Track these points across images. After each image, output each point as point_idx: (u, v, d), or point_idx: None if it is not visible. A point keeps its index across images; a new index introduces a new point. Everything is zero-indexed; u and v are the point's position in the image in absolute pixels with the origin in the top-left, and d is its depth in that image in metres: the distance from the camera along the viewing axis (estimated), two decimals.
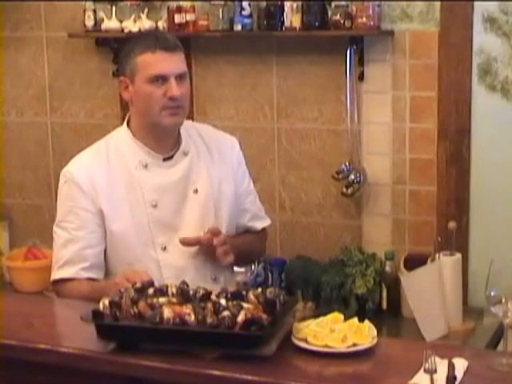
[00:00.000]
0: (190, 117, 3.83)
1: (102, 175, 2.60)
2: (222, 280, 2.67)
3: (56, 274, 2.61)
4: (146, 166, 2.61)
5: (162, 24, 3.70)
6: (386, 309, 3.42)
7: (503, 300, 2.01)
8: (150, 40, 2.56)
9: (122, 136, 2.66)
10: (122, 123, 3.84)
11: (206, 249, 2.60)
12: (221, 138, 2.78)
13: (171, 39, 2.59)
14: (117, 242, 2.59)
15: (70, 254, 2.57)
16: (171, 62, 2.54)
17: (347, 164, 3.56)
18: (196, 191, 2.64)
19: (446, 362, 1.93)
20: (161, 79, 2.52)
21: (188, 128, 2.69)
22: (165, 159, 2.63)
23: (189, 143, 2.67)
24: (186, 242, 2.59)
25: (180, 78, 2.54)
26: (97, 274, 2.59)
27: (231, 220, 2.72)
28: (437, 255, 3.12)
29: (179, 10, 3.64)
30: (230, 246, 2.61)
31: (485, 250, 3.38)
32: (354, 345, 2.06)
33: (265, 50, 3.67)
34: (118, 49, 3.86)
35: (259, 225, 2.84)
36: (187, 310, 2.04)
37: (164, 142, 2.63)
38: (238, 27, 3.55)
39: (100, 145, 2.70)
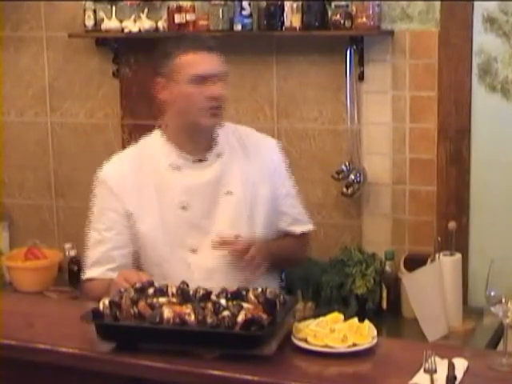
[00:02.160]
0: None
1: (132, 178, 2.61)
2: (254, 284, 2.63)
3: (85, 274, 2.65)
4: (177, 168, 2.61)
5: (162, 24, 3.70)
6: (386, 309, 3.42)
7: (503, 300, 2.01)
8: (191, 41, 2.59)
9: (154, 139, 2.67)
10: (121, 123, 3.85)
11: (237, 255, 2.56)
12: (260, 141, 2.76)
13: (211, 41, 2.61)
14: (145, 243, 2.60)
15: (98, 255, 2.61)
16: (212, 63, 2.55)
17: (347, 164, 3.56)
18: (229, 193, 2.62)
19: (445, 362, 1.93)
20: (202, 79, 2.52)
21: (226, 129, 2.67)
22: (198, 161, 2.62)
23: (224, 145, 2.65)
24: (217, 244, 2.56)
25: (220, 78, 2.55)
26: None
27: (268, 223, 2.69)
28: (437, 255, 3.12)
29: (179, 9, 3.64)
30: (266, 251, 2.57)
31: (485, 250, 3.38)
32: (354, 345, 2.06)
33: (265, 50, 3.67)
34: (118, 47, 3.87)
35: (298, 229, 2.78)
36: (187, 310, 2.05)
37: (198, 143, 2.62)
38: (237, 27, 3.56)
39: (134, 148, 2.73)
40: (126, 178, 2.62)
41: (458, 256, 3.17)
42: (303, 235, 2.82)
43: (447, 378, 1.89)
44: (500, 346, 2.15)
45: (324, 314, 2.21)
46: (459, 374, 1.91)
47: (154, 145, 2.66)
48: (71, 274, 3.87)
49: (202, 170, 2.62)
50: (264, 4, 3.55)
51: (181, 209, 2.59)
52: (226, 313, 2.03)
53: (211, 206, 2.61)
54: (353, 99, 3.54)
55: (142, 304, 2.09)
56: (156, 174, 2.61)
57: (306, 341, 2.08)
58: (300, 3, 3.45)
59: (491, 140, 3.41)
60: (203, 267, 2.58)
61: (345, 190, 3.55)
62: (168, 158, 2.62)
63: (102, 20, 3.78)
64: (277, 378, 1.96)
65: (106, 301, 2.11)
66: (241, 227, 2.61)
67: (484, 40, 3.36)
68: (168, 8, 3.68)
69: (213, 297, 2.14)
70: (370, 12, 3.38)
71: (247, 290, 2.16)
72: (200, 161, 2.62)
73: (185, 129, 2.60)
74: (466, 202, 3.47)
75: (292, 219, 2.77)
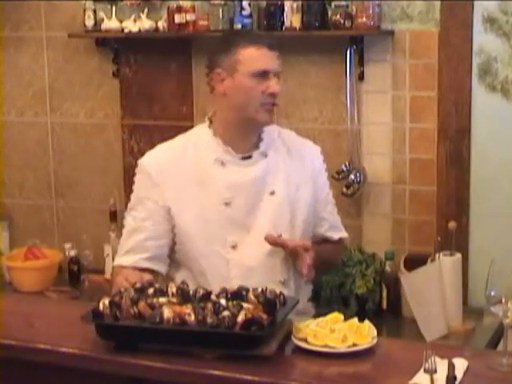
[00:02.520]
0: (190, 117, 3.84)
1: (175, 169, 2.59)
2: (291, 284, 2.62)
3: (117, 260, 2.63)
4: (222, 164, 2.59)
5: (161, 24, 3.70)
6: (386, 309, 3.42)
7: (503, 300, 2.01)
8: (255, 36, 2.62)
9: (202, 132, 2.65)
10: (121, 123, 3.84)
11: (288, 252, 2.55)
12: (304, 145, 2.76)
13: (272, 39, 2.61)
14: (183, 236, 2.59)
15: (133, 243, 2.59)
16: (273, 59, 2.56)
17: (347, 164, 3.56)
18: (272, 193, 2.61)
19: (445, 362, 1.93)
20: (263, 75, 2.52)
21: (271, 130, 2.67)
22: (243, 158, 2.61)
23: (269, 145, 2.65)
24: (271, 239, 2.54)
25: (278, 76, 2.56)
26: (157, 266, 2.59)
27: (307, 226, 2.68)
28: (437, 255, 3.12)
29: (179, 9, 3.64)
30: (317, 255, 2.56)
31: (485, 250, 3.38)
32: (354, 345, 2.06)
33: None
34: (118, 47, 3.87)
35: (336, 235, 2.78)
36: (187, 310, 2.05)
37: (247, 139, 2.62)
38: (237, 27, 3.55)
39: (180, 139, 2.70)
40: (168, 168, 2.60)
41: (458, 256, 3.16)
42: (339, 241, 2.82)
43: (447, 378, 1.89)
44: (500, 346, 2.15)
45: (324, 314, 2.21)
46: (459, 374, 1.91)
47: (201, 138, 2.64)
48: (71, 273, 3.87)
49: (247, 168, 2.60)
50: (264, 4, 3.55)
51: (223, 204, 2.57)
52: (225, 313, 2.03)
53: (254, 204, 2.59)
54: (353, 99, 3.54)
55: (141, 304, 2.09)
56: (200, 168, 2.60)
57: (305, 341, 2.08)
58: (300, 3, 3.45)
59: (491, 140, 3.41)
60: (242, 265, 2.57)
61: (345, 189, 3.55)
62: (214, 152, 2.60)
63: (102, 20, 3.78)
64: (277, 378, 1.96)
65: (106, 301, 2.11)
66: (282, 228, 2.60)
67: (484, 40, 3.36)
68: (168, 8, 3.68)
69: (213, 297, 2.14)
70: (370, 12, 3.38)
71: (247, 290, 2.16)
72: (246, 158, 2.61)
73: (237, 123, 2.58)
74: (466, 202, 3.47)
75: (330, 225, 2.77)
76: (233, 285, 2.44)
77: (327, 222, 2.76)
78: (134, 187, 2.66)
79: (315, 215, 2.71)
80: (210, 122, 2.64)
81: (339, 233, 2.81)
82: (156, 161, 2.63)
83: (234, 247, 2.58)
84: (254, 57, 2.53)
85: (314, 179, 2.70)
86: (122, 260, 2.61)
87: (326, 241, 2.77)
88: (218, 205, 2.57)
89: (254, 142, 2.63)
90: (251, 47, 2.54)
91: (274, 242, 2.54)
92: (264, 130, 2.64)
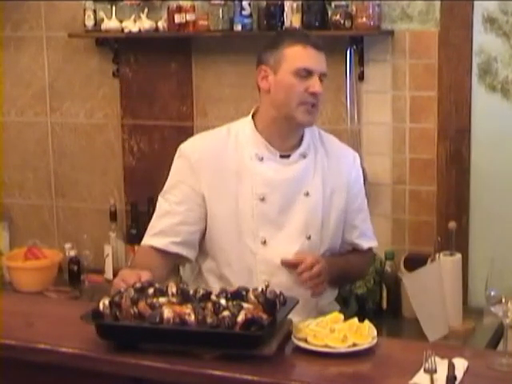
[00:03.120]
0: (190, 117, 3.84)
1: (214, 158, 2.60)
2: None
3: (147, 240, 2.63)
4: (261, 159, 2.60)
5: (161, 24, 3.70)
6: (386, 309, 3.42)
7: (503, 300, 2.01)
8: (301, 35, 2.61)
9: (244, 126, 2.66)
10: (121, 123, 3.85)
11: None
12: (343, 151, 2.77)
13: (320, 40, 2.62)
14: (215, 226, 2.59)
15: (165, 226, 2.59)
16: (319, 60, 2.56)
17: None
18: (307, 194, 2.61)
19: (445, 362, 1.94)
20: (306, 73, 2.52)
21: (313, 132, 2.67)
22: (282, 156, 2.61)
23: (310, 148, 2.65)
24: (286, 263, 2.55)
25: (322, 77, 2.56)
26: (187, 251, 2.60)
27: (337, 232, 2.68)
28: (437, 255, 3.12)
29: (179, 9, 3.64)
30: (330, 268, 2.56)
31: (485, 249, 3.38)
32: (354, 345, 2.06)
33: None
34: (118, 47, 3.87)
35: (366, 244, 2.77)
36: (187, 310, 2.05)
37: (287, 138, 2.62)
38: (237, 27, 3.55)
39: (222, 129, 2.70)
40: (207, 157, 2.60)
41: (458, 256, 3.16)
42: (369, 251, 2.82)
43: (447, 378, 1.89)
44: (500, 346, 2.15)
45: (324, 314, 2.21)
46: (459, 374, 1.92)
47: (243, 131, 2.64)
48: (71, 273, 3.87)
49: (285, 166, 2.61)
50: (264, 4, 3.55)
51: (259, 200, 2.57)
52: (226, 313, 2.03)
53: (288, 203, 2.60)
54: (353, 99, 3.54)
55: (141, 304, 2.09)
56: (239, 160, 2.60)
57: (305, 341, 2.08)
58: (300, 3, 3.45)
59: (491, 140, 3.41)
60: (270, 261, 2.57)
61: None
62: (255, 147, 2.60)
63: (102, 20, 3.78)
64: (277, 378, 1.96)
65: (106, 301, 2.11)
66: (313, 229, 2.60)
67: (484, 40, 3.36)
68: (168, 8, 3.68)
69: (213, 297, 2.14)
70: (370, 12, 3.38)
71: (247, 290, 2.16)
72: (285, 157, 2.62)
73: (277, 121, 2.59)
74: (465, 202, 3.47)
75: (360, 233, 2.76)
76: (258, 279, 2.48)
77: (358, 230, 2.75)
78: (172, 171, 2.66)
79: (347, 222, 2.71)
80: (253, 116, 2.65)
81: (369, 242, 2.79)
82: (196, 148, 2.64)
83: (264, 243, 2.58)
84: (298, 55, 2.54)
85: (350, 187, 2.70)
86: (153, 241, 2.60)
87: (355, 249, 2.76)
88: (252, 199, 2.58)
89: (295, 142, 2.63)
90: (297, 45, 2.55)
91: (289, 264, 2.54)
92: (306, 131, 2.64)
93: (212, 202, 2.59)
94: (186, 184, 2.60)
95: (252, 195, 2.58)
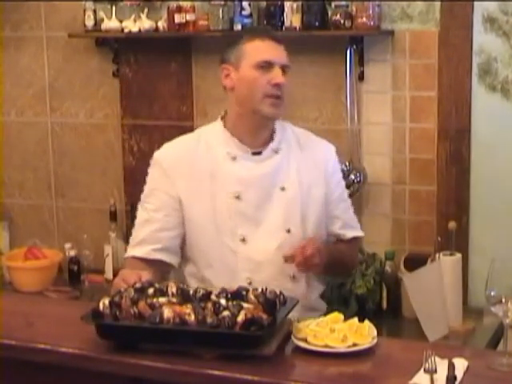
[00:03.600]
0: (190, 117, 3.84)
1: (187, 162, 2.62)
2: (302, 280, 2.63)
3: (130, 252, 2.65)
4: (234, 158, 2.61)
5: (161, 24, 3.70)
6: (386, 309, 3.42)
7: (503, 300, 2.01)
8: (260, 30, 2.67)
9: (214, 127, 2.68)
10: (121, 123, 3.84)
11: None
12: (318, 144, 2.77)
13: (277, 34, 2.66)
14: (193, 229, 2.61)
15: (146, 234, 2.61)
16: (279, 52, 2.58)
17: (347, 164, 3.55)
18: (283, 189, 2.62)
19: (445, 362, 1.94)
20: (267, 65, 2.54)
21: (285, 128, 2.69)
22: (254, 153, 2.62)
23: (282, 143, 2.66)
24: (288, 258, 2.53)
25: (284, 69, 2.57)
26: (169, 257, 2.61)
27: (319, 226, 2.68)
28: (437, 255, 3.12)
29: (179, 9, 3.64)
30: (325, 252, 2.56)
31: (485, 249, 3.38)
32: (354, 345, 2.06)
33: None
34: (118, 47, 3.87)
35: (349, 233, 2.78)
36: (187, 310, 2.05)
37: (258, 134, 2.63)
38: (237, 27, 3.55)
39: (193, 134, 2.75)
40: (181, 162, 2.62)
41: (458, 256, 3.16)
42: (353, 240, 2.82)
43: (447, 378, 1.89)
44: (500, 346, 2.15)
45: (324, 314, 2.21)
46: (459, 374, 1.92)
47: (214, 133, 2.67)
48: (71, 274, 3.87)
49: (258, 163, 2.62)
50: (264, 4, 3.55)
51: (234, 198, 2.58)
52: (226, 313, 2.03)
53: (264, 199, 2.61)
54: (353, 99, 3.53)
55: (141, 304, 2.09)
56: (211, 161, 2.62)
57: (306, 341, 2.08)
58: (300, 3, 3.45)
59: (491, 140, 3.41)
60: (251, 258, 2.58)
61: None
62: (226, 146, 2.62)
63: (102, 20, 3.78)
64: (277, 378, 1.96)
65: (106, 301, 2.11)
66: (292, 224, 2.61)
67: (484, 40, 3.36)
68: (168, 8, 3.67)
69: (213, 297, 2.14)
70: (370, 12, 3.38)
71: (247, 290, 2.16)
72: (257, 153, 2.62)
73: (245, 117, 2.60)
74: (466, 201, 3.47)
75: (343, 223, 2.77)
76: (240, 278, 2.47)
77: (340, 220, 2.76)
78: (147, 179, 2.69)
79: (328, 214, 2.72)
80: (222, 118, 2.67)
81: (353, 231, 2.80)
82: (169, 153, 2.67)
83: (243, 240, 2.59)
84: (257, 48, 2.56)
85: (327, 180, 2.71)
86: (135, 251, 2.62)
87: (340, 240, 2.77)
88: (228, 198, 2.59)
89: (266, 138, 2.64)
90: (256, 39, 2.57)
91: (290, 257, 2.52)
92: (277, 127, 2.65)
93: (189, 205, 2.60)
94: (161, 191, 2.62)
95: (227, 194, 2.59)
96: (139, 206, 2.69)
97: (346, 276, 3.25)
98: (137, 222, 2.67)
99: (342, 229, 2.77)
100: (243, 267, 2.56)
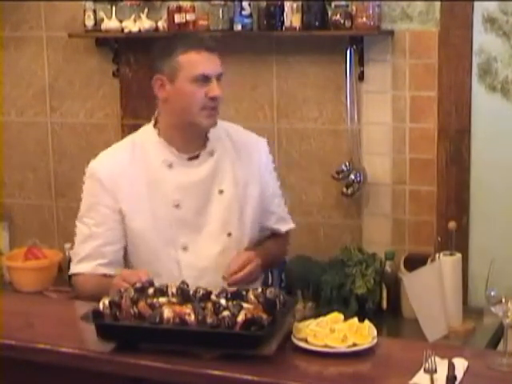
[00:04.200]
0: None
1: (124, 173, 2.60)
2: (244, 285, 2.62)
3: (74, 269, 2.64)
4: (170, 166, 2.60)
5: (161, 24, 3.70)
6: (386, 309, 3.42)
7: (503, 300, 2.01)
8: (194, 40, 2.59)
9: (148, 135, 2.66)
10: (121, 123, 3.85)
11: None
12: (250, 139, 2.78)
13: (212, 40, 2.61)
14: (136, 239, 2.60)
15: (89, 250, 2.60)
16: (214, 63, 2.56)
17: (347, 164, 3.56)
18: (221, 192, 2.63)
19: (446, 362, 1.94)
20: (204, 79, 2.53)
21: (217, 128, 2.67)
22: (190, 158, 2.62)
23: (216, 143, 2.66)
24: (229, 276, 2.53)
25: (219, 78, 2.56)
26: (114, 270, 2.59)
27: (255, 221, 2.71)
28: (437, 255, 3.12)
29: (179, 9, 3.64)
30: (262, 261, 2.60)
31: (485, 250, 3.38)
32: (354, 345, 2.06)
33: (265, 50, 3.67)
34: (118, 47, 3.87)
35: (284, 227, 2.82)
36: (187, 310, 2.05)
37: (192, 142, 2.62)
38: (238, 27, 3.55)
39: (126, 142, 2.71)
40: (118, 173, 2.60)
41: (458, 256, 3.16)
42: (286, 233, 2.86)
43: (447, 378, 1.89)
44: (500, 346, 2.15)
45: (324, 314, 2.21)
46: (459, 374, 1.91)
47: (147, 140, 2.65)
48: None
49: (194, 168, 2.62)
50: (264, 4, 3.54)
51: (174, 206, 2.58)
52: (225, 313, 2.03)
53: (203, 204, 2.62)
54: (353, 99, 3.53)
55: (141, 304, 2.09)
56: (149, 171, 2.61)
57: (306, 341, 2.08)
58: (300, 3, 3.45)
59: (491, 140, 3.41)
60: (194, 266, 2.59)
61: (345, 189, 3.55)
62: (161, 154, 2.61)
63: (102, 20, 3.78)
64: (277, 378, 1.96)
65: (106, 301, 2.11)
66: (231, 226, 2.63)
67: (484, 40, 3.36)
68: (168, 8, 3.67)
69: (213, 297, 2.14)
70: (370, 12, 3.37)
71: (247, 290, 2.16)
72: (192, 158, 2.62)
73: (180, 128, 2.60)
74: (466, 202, 3.46)
75: (278, 218, 2.80)
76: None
77: (275, 215, 2.79)
78: (84, 194, 2.65)
79: (263, 209, 2.74)
80: (155, 123, 2.65)
81: (287, 225, 2.84)
82: (105, 165, 2.63)
83: (185, 248, 2.60)
84: (193, 62, 2.53)
85: (262, 175, 2.73)
86: (81, 267, 2.62)
87: (273, 234, 2.81)
88: (167, 207, 2.58)
89: (200, 142, 2.64)
90: (191, 52, 2.53)
91: (231, 278, 2.53)
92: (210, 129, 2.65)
93: (130, 216, 2.58)
94: (101, 205, 2.59)
95: (166, 203, 2.58)
96: (77, 222, 2.67)
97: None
98: (78, 237, 2.66)
99: (277, 223, 2.80)
100: (187, 275, 2.53)
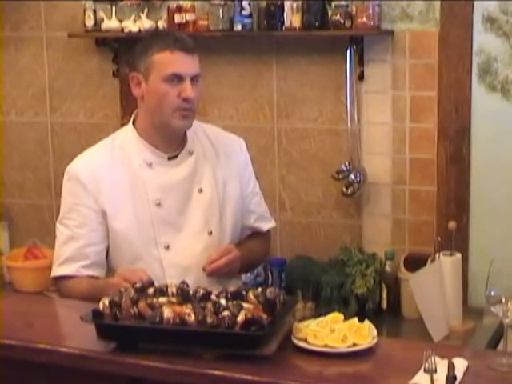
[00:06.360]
0: None
1: (105, 173, 2.59)
2: (226, 281, 2.65)
3: (56, 271, 2.62)
4: (150, 165, 2.60)
5: (161, 24, 3.70)
6: (385, 309, 3.42)
7: (503, 300, 2.01)
8: (169, 39, 2.55)
9: (127, 134, 2.66)
10: (121, 123, 3.85)
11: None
12: (228, 139, 2.78)
13: (189, 41, 2.58)
14: (119, 240, 2.60)
15: (71, 252, 2.58)
16: (188, 63, 2.54)
17: (347, 164, 3.56)
18: (201, 191, 2.64)
19: (445, 362, 1.94)
20: (177, 79, 2.51)
21: (195, 128, 2.67)
22: (170, 158, 2.63)
23: (195, 143, 2.67)
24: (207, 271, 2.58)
25: (195, 79, 2.55)
26: (98, 272, 2.60)
27: (235, 221, 2.72)
28: (437, 255, 3.12)
29: (179, 9, 3.64)
30: (241, 256, 2.62)
31: (485, 250, 3.38)
32: (354, 345, 2.06)
33: (265, 50, 3.67)
34: (119, 47, 3.87)
35: (264, 226, 2.84)
36: (187, 310, 2.05)
37: (170, 141, 2.63)
38: (237, 27, 3.55)
39: (105, 143, 2.70)
40: (99, 173, 2.59)
41: (458, 256, 3.17)
42: (267, 232, 2.88)
43: (447, 378, 1.89)
44: (500, 346, 2.15)
45: (324, 314, 2.21)
46: (459, 374, 1.91)
47: (127, 139, 2.65)
48: None
49: (174, 168, 2.62)
50: (264, 4, 3.55)
51: (155, 206, 2.59)
52: (225, 313, 2.03)
53: (184, 203, 2.62)
54: (353, 99, 3.53)
55: (141, 304, 2.09)
56: (129, 170, 2.61)
57: (306, 341, 2.08)
58: (300, 3, 3.45)
59: (491, 140, 3.41)
60: (176, 264, 2.60)
61: (345, 189, 3.55)
62: (141, 154, 2.61)
63: (102, 20, 3.78)
64: (277, 378, 1.96)
65: (106, 301, 2.11)
66: (212, 224, 2.64)
67: (484, 40, 3.36)
68: (168, 8, 3.67)
69: (213, 297, 2.14)
70: (370, 12, 3.38)
71: (247, 290, 2.16)
72: (172, 158, 2.63)
73: (156, 127, 2.60)
74: (466, 202, 3.46)
75: (258, 216, 2.82)
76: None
77: (255, 214, 2.80)
78: (65, 195, 2.63)
79: (243, 208, 2.75)
80: (134, 122, 2.66)
81: (268, 223, 2.86)
82: (85, 166, 2.61)
83: (167, 248, 2.60)
84: (167, 61, 2.51)
85: (240, 174, 2.74)
86: (62, 270, 2.59)
87: (254, 232, 2.82)
88: (149, 206, 2.59)
89: (179, 141, 2.64)
90: (165, 51, 2.52)
91: (209, 266, 2.57)
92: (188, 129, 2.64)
93: (113, 216, 2.58)
94: (83, 206, 2.58)
95: (148, 203, 2.58)
96: (58, 224, 2.64)
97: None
98: (58, 240, 2.62)
99: (257, 222, 2.81)
100: (170, 274, 2.55)
